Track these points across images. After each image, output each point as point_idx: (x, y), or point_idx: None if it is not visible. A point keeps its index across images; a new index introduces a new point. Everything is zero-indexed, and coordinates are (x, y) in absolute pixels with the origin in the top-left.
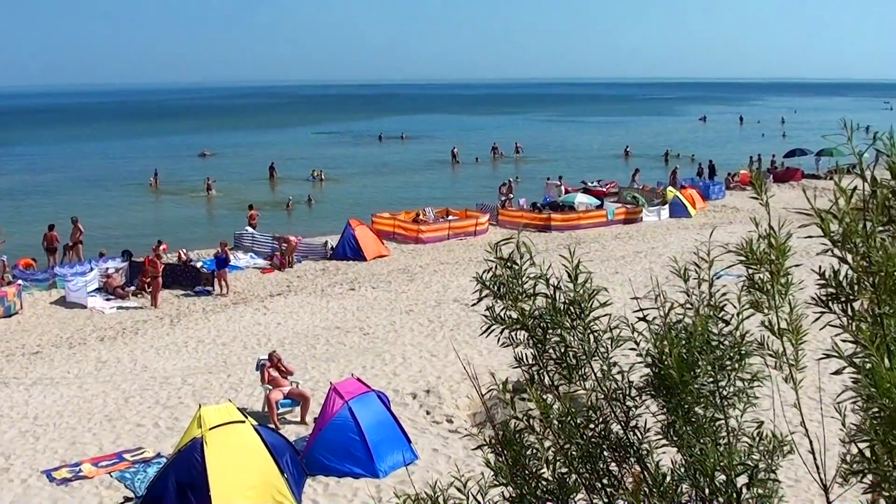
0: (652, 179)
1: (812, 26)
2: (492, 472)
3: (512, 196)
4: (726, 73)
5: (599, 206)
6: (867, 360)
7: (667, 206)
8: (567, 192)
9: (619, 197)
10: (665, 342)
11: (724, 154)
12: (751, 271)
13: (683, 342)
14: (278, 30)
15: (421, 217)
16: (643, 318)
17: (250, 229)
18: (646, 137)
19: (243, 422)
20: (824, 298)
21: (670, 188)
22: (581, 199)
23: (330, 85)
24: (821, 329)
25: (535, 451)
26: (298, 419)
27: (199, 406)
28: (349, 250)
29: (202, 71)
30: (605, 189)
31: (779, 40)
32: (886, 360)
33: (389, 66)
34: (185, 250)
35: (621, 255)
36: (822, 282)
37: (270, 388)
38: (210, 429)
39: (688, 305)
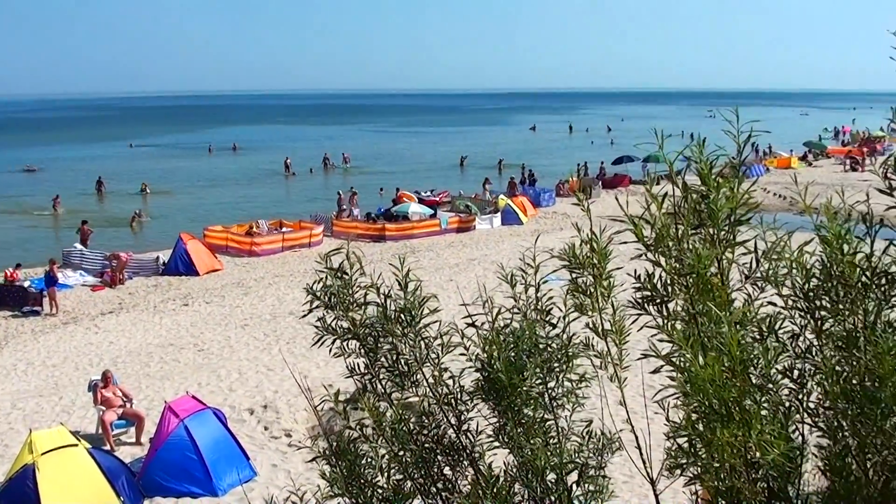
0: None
1: (642, 37)
2: (328, 484)
3: (356, 206)
4: (556, 83)
5: (433, 216)
6: (683, 358)
7: (499, 214)
8: (400, 201)
9: (453, 206)
10: (494, 347)
11: (556, 162)
12: (574, 275)
13: (512, 346)
14: (99, 37)
15: (254, 229)
16: (472, 325)
17: (79, 246)
18: (480, 147)
19: (76, 445)
20: (641, 300)
21: (502, 196)
22: (415, 208)
23: (156, 96)
24: (639, 330)
25: (369, 459)
26: (134, 440)
27: (30, 431)
28: (181, 265)
29: (13, 84)
30: (438, 199)
31: (607, 52)
32: (701, 358)
33: (220, 77)
34: (10, 269)
35: (455, 263)
36: (638, 285)
37: (104, 409)
38: (42, 454)
39: (516, 310)
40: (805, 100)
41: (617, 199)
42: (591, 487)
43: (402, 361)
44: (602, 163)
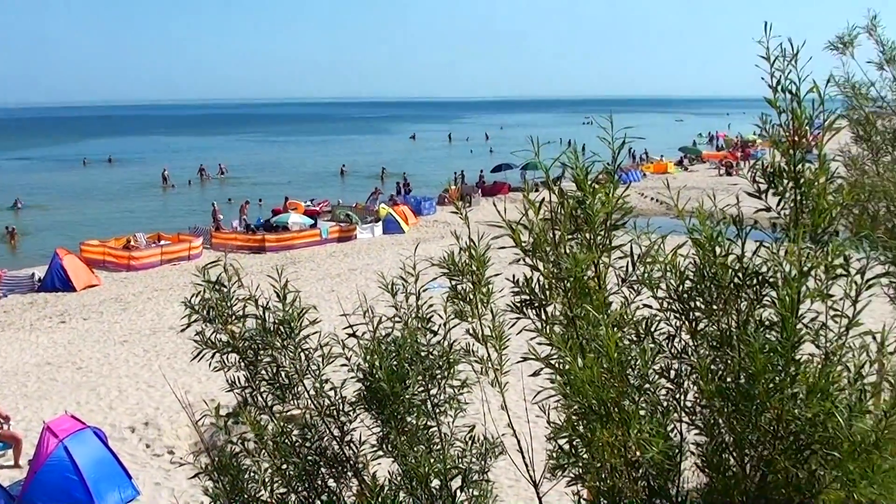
0: (366, 197)
1: (523, 47)
2: (211, 500)
3: (246, 216)
4: (438, 93)
5: (313, 226)
6: (562, 360)
7: (380, 223)
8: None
9: (333, 215)
10: (375, 356)
11: (436, 170)
12: (454, 282)
13: (393, 355)
14: None
15: (132, 243)
16: (353, 335)
17: None
18: (361, 156)
19: None
20: (520, 305)
21: (383, 205)
22: (295, 218)
23: (25, 108)
24: (518, 333)
25: (252, 473)
26: (11, 463)
27: None
28: (58, 281)
29: None
30: (318, 208)
31: (487, 62)
32: (580, 360)
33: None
34: None
35: (337, 274)
36: (517, 289)
37: None
38: None
39: (397, 319)
40: (681, 106)
41: (495, 205)
42: (475, 492)
43: (283, 374)
44: (481, 171)
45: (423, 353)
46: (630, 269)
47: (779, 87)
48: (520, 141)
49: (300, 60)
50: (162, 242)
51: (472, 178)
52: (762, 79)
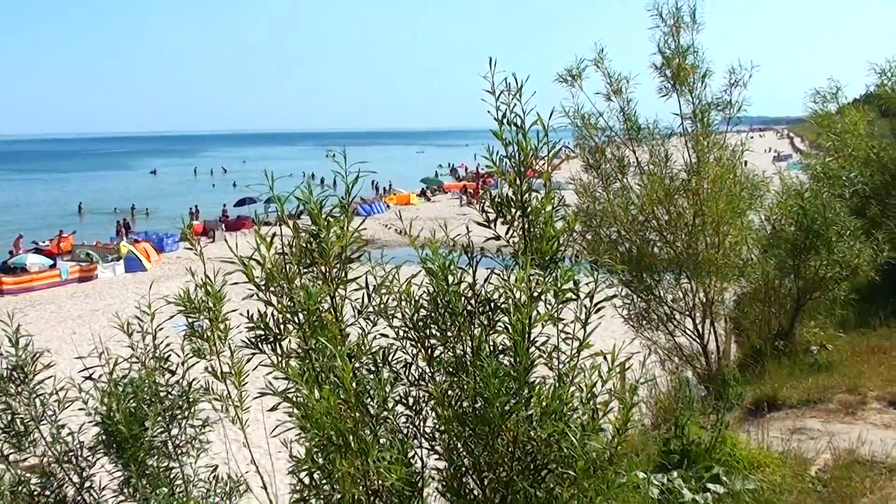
0: (106, 236)
1: (261, 83)
2: None
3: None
4: (178, 126)
5: (52, 266)
6: (299, 393)
7: (122, 261)
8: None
9: (73, 255)
10: (113, 398)
11: (180, 205)
12: (191, 320)
13: (132, 396)
14: None
15: None
16: (90, 377)
17: None
18: (100, 193)
19: None
20: (255, 340)
21: (124, 243)
22: (33, 259)
23: None
24: (254, 369)
25: None
26: None
27: None
28: None
29: None
30: (55, 247)
31: (231, 95)
32: (316, 392)
33: None
34: None
35: (78, 315)
36: (252, 325)
37: None
38: None
39: (134, 359)
40: (421, 138)
41: (226, 241)
42: None
43: (18, 421)
44: (224, 205)
45: (161, 394)
46: (366, 300)
47: (505, 120)
48: (261, 175)
49: (31, 95)
50: None
51: (214, 213)
52: (488, 112)
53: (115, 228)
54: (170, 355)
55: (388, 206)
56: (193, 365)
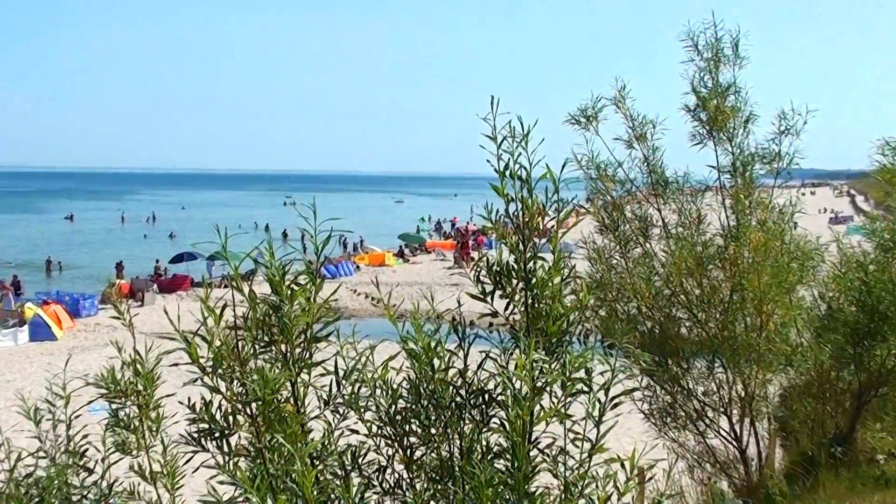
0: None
1: (204, 117)
2: None
3: None
4: (101, 162)
5: None
6: (249, 503)
7: (26, 326)
8: None
9: None
10: (13, 503)
11: (101, 259)
12: (115, 406)
13: (37, 501)
14: None
15: None
16: None
17: None
18: (3, 241)
19: None
20: (197, 435)
21: (29, 305)
22: None
23: None
24: (195, 471)
25: None
26: None
27: None
28: None
29: None
30: None
31: (162, 126)
32: (270, 502)
33: None
34: None
35: None
36: (194, 415)
37: None
38: None
39: (41, 454)
40: (399, 185)
41: (166, 310)
42: None
43: None
44: (158, 261)
45: (75, 498)
46: (335, 388)
47: (507, 172)
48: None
49: None
50: None
51: (145, 269)
52: (488, 161)
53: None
54: (87, 449)
55: (358, 267)
56: (116, 462)
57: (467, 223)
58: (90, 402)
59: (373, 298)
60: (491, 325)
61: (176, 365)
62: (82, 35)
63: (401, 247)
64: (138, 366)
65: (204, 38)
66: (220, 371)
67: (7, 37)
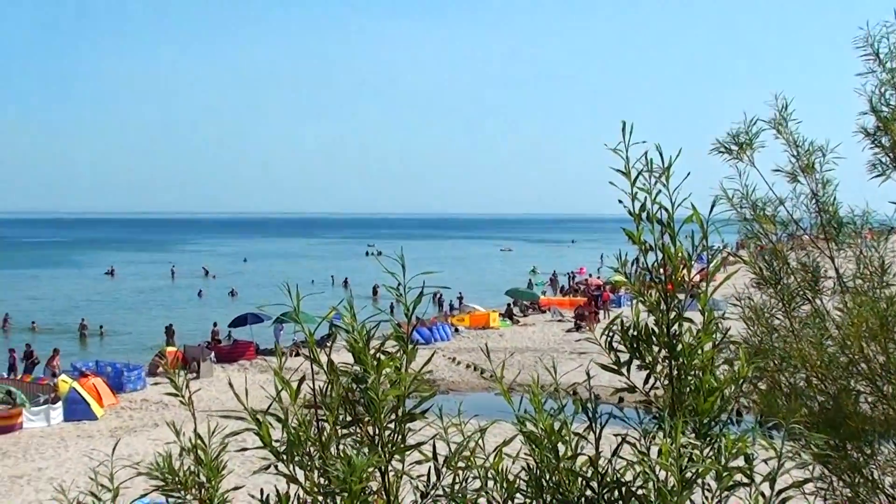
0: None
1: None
2: None
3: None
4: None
5: None
6: None
7: (60, 404)
8: None
9: None
10: None
11: (147, 322)
12: (173, 501)
13: None
14: None
15: None
16: None
17: None
18: (35, 302)
19: None
20: None
21: (64, 377)
22: None
23: None
24: None
25: None
26: None
27: None
28: None
29: None
30: None
31: (219, 165)
32: None
33: None
34: None
35: None
36: None
37: None
38: None
39: None
40: (504, 229)
41: (230, 382)
42: None
43: None
44: (215, 324)
45: None
46: (434, 477)
47: (644, 215)
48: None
49: None
50: None
51: (200, 334)
52: (620, 201)
53: (8, 358)
54: None
55: (456, 329)
56: None
57: (589, 275)
58: (143, 496)
59: (475, 367)
60: (621, 399)
61: (244, 450)
62: (126, 62)
63: (509, 305)
64: (200, 452)
65: (259, 67)
66: (297, 457)
67: (39, 66)
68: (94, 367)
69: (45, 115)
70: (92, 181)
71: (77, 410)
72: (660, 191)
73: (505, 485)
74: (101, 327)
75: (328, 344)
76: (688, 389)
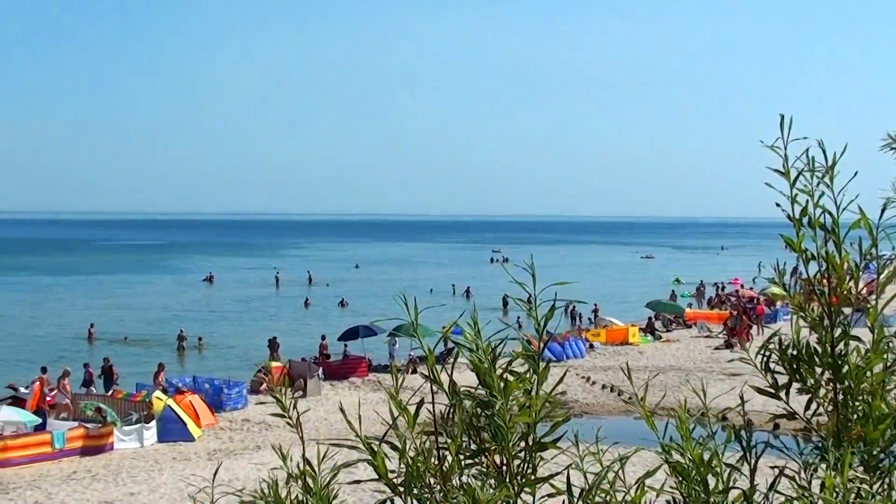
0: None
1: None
2: None
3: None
4: (249, 206)
5: (40, 427)
6: None
7: (154, 423)
8: None
9: (73, 410)
10: None
11: (255, 334)
12: None
13: None
14: None
15: None
16: None
17: None
18: (126, 310)
19: None
20: None
21: (157, 394)
22: (6, 414)
23: None
24: None
25: None
26: None
27: None
28: None
29: None
30: (51, 396)
31: (328, 165)
32: None
33: None
34: None
35: None
36: None
37: None
38: None
39: None
40: (646, 234)
41: (341, 406)
42: None
43: None
44: (324, 337)
45: None
46: None
47: (804, 220)
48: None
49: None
50: None
51: (306, 348)
52: (777, 204)
53: (84, 374)
54: None
55: (591, 345)
56: None
57: (741, 286)
58: None
59: (612, 388)
60: (777, 426)
61: (357, 482)
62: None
63: (650, 319)
64: (309, 480)
65: (381, 58)
66: (415, 490)
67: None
68: (191, 383)
69: (145, 108)
70: (185, 180)
71: (172, 430)
72: (823, 192)
73: None
74: (199, 339)
75: (449, 361)
76: (855, 416)
